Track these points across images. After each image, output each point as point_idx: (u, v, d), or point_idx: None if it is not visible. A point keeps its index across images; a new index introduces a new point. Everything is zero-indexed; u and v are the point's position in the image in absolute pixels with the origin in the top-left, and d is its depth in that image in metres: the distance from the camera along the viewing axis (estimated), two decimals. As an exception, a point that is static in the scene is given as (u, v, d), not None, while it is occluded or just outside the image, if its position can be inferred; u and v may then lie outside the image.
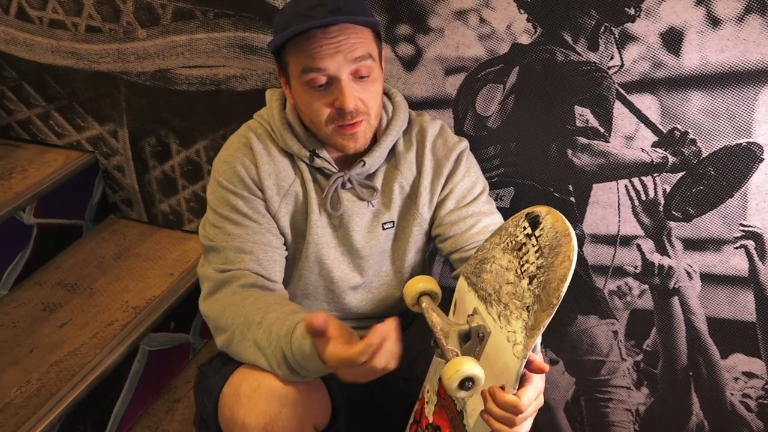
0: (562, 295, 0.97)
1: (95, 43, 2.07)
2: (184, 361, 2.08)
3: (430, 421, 1.31)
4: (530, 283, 1.03)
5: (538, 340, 1.16)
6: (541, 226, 1.06)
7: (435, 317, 1.15)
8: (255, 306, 1.28)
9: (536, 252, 1.04)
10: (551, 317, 0.98)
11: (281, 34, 1.26)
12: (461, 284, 1.22)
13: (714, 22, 1.38)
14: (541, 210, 1.08)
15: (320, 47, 1.25)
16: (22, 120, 2.38)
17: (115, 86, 2.13)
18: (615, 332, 1.79)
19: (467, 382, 1.01)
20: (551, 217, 1.05)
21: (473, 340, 1.12)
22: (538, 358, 1.11)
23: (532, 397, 1.07)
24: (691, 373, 1.77)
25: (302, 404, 1.24)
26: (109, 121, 2.22)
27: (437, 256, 1.86)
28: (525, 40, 1.54)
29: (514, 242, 1.10)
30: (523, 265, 1.06)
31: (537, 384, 1.09)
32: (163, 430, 1.86)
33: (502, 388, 1.07)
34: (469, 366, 1.01)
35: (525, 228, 1.09)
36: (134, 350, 1.86)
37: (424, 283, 1.24)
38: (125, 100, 2.15)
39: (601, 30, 1.46)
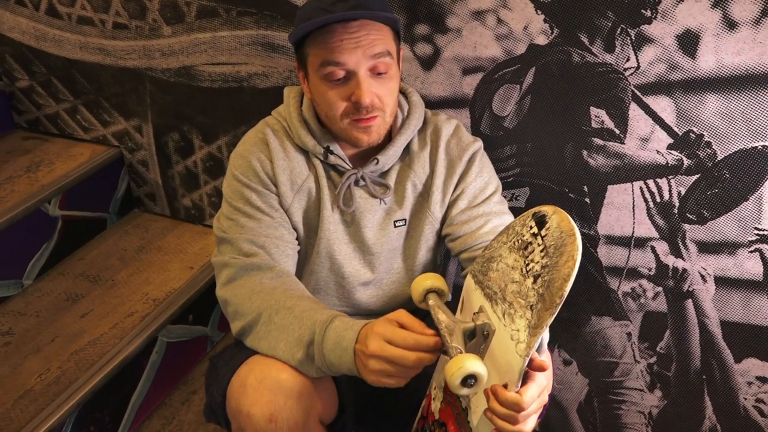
0: (566, 294, 0.97)
1: (122, 39, 2.11)
2: (202, 353, 2.11)
3: (436, 417, 1.31)
4: (534, 282, 1.03)
5: (545, 339, 1.16)
6: (547, 225, 1.06)
7: (441, 315, 1.15)
8: (286, 294, 1.30)
9: (541, 251, 1.04)
10: (554, 316, 0.98)
11: (302, 26, 1.29)
12: (468, 282, 1.22)
13: (730, 24, 1.38)
14: (547, 209, 1.08)
15: (340, 41, 1.27)
16: (51, 114, 2.43)
17: (141, 82, 2.17)
18: (629, 334, 1.79)
19: (470, 379, 1.02)
20: (557, 217, 1.05)
21: (478, 338, 1.12)
22: (542, 356, 1.11)
23: (534, 394, 1.07)
24: (704, 377, 1.76)
25: (308, 397, 1.25)
26: (134, 116, 2.26)
27: (451, 255, 1.87)
28: (542, 40, 1.55)
29: (520, 241, 1.10)
30: (528, 264, 1.06)
31: (540, 382, 1.09)
32: (179, 421, 1.89)
33: (506, 385, 1.08)
34: (471, 363, 1.01)
35: (531, 227, 1.09)
36: (153, 341, 1.89)
37: (431, 280, 1.24)
38: (150, 96, 2.18)
39: (618, 31, 1.47)
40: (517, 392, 1.06)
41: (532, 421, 1.11)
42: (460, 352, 1.07)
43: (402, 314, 1.15)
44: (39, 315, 1.94)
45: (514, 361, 1.05)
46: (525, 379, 1.07)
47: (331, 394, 1.34)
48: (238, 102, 2.03)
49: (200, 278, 2.08)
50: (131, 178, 2.40)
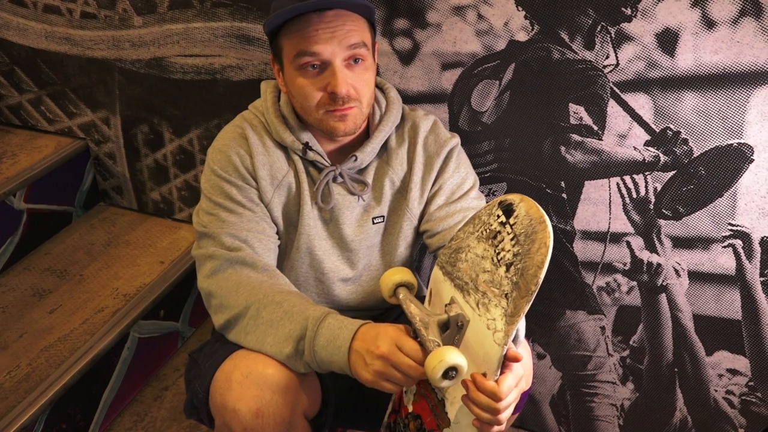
0: (540, 281, 0.98)
1: (90, 29, 2.07)
2: (173, 349, 2.08)
3: (410, 410, 1.32)
4: (507, 270, 1.04)
5: (521, 329, 1.18)
6: (515, 213, 1.07)
7: (413, 308, 1.16)
8: (274, 289, 1.30)
9: (512, 240, 1.05)
10: (531, 303, 0.99)
11: (277, 14, 1.28)
12: (436, 274, 1.22)
13: (709, 24, 1.40)
14: (513, 198, 1.08)
15: (315, 31, 1.27)
16: (13, 105, 2.37)
17: (109, 73, 2.13)
18: (602, 328, 1.81)
19: (451, 372, 1.03)
20: (525, 205, 1.06)
21: (452, 329, 1.13)
22: (520, 347, 1.13)
23: (511, 384, 1.09)
24: (676, 370, 1.79)
25: (293, 392, 1.25)
26: (101, 108, 2.21)
27: (427, 251, 1.88)
28: (522, 37, 1.55)
29: (488, 231, 1.11)
30: (499, 253, 1.07)
31: (516, 372, 1.10)
32: (151, 417, 1.86)
33: (484, 375, 1.09)
34: (452, 355, 1.03)
35: (499, 216, 1.09)
36: (124, 337, 1.86)
37: (400, 274, 1.24)
38: (119, 88, 2.14)
39: (598, 29, 1.48)
40: (495, 381, 1.07)
41: (509, 411, 1.12)
42: (438, 345, 1.08)
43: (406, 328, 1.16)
44: (5, 311, 1.89)
45: (492, 350, 1.06)
46: (501, 369, 1.08)
47: (315, 389, 1.34)
48: (211, 94, 2.00)
49: (171, 273, 2.04)
50: (97, 170, 2.35)
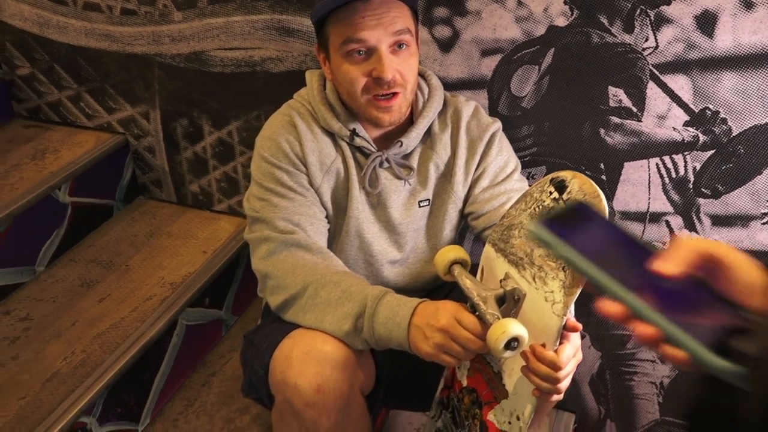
0: None
1: (130, 25, 2.11)
2: (218, 336, 2.13)
3: (465, 384, 1.36)
4: None
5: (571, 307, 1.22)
6: (568, 189, 1.11)
7: (469, 283, 1.20)
8: (329, 269, 1.35)
9: None
10: None
11: (323, 3, 1.33)
12: (488, 251, 1.26)
13: (747, 4, 1.43)
14: (565, 174, 1.12)
15: (362, 18, 1.31)
16: (52, 102, 2.41)
17: (149, 68, 2.17)
18: (642, 307, 1.83)
19: (513, 343, 1.07)
20: (578, 181, 1.10)
21: (509, 303, 1.17)
22: (572, 317, 1.17)
23: (570, 354, 1.14)
24: (715, 346, 1.81)
25: (352, 368, 1.29)
26: (141, 102, 2.26)
27: (467, 234, 1.91)
28: (561, 22, 1.59)
29: (541, 207, 1.15)
30: None
31: (574, 341, 1.16)
32: (201, 402, 1.90)
33: (543, 346, 1.13)
34: (514, 327, 1.07)
35: (551, 193, 1.13)
36: (173, 324, 1.90)
37: (454, 252, 1.28)
38: (158, 82, 2.19)
39: (637, 12, 1.51)
40: (554, 352, 1.11)
41: (568, 380, 1.17)
42: (498, 318, 1.12)
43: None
44: (56, 300, 1.94)
45: (551, 321, 1.10)
46: (560, 339, 1.13)
47: (371, 366, 1.39)
48: (251, 87, 2.04)
49: (214, 262, 2.08)
50: (136, 164, 2.40)
